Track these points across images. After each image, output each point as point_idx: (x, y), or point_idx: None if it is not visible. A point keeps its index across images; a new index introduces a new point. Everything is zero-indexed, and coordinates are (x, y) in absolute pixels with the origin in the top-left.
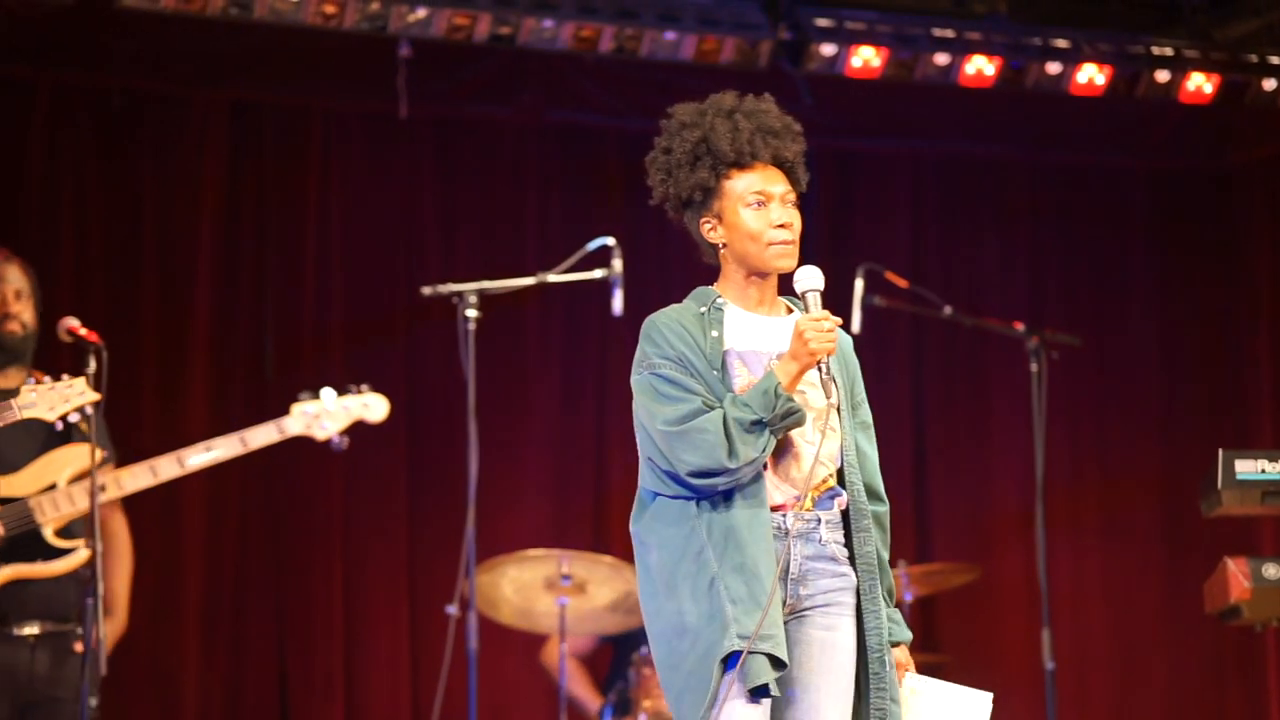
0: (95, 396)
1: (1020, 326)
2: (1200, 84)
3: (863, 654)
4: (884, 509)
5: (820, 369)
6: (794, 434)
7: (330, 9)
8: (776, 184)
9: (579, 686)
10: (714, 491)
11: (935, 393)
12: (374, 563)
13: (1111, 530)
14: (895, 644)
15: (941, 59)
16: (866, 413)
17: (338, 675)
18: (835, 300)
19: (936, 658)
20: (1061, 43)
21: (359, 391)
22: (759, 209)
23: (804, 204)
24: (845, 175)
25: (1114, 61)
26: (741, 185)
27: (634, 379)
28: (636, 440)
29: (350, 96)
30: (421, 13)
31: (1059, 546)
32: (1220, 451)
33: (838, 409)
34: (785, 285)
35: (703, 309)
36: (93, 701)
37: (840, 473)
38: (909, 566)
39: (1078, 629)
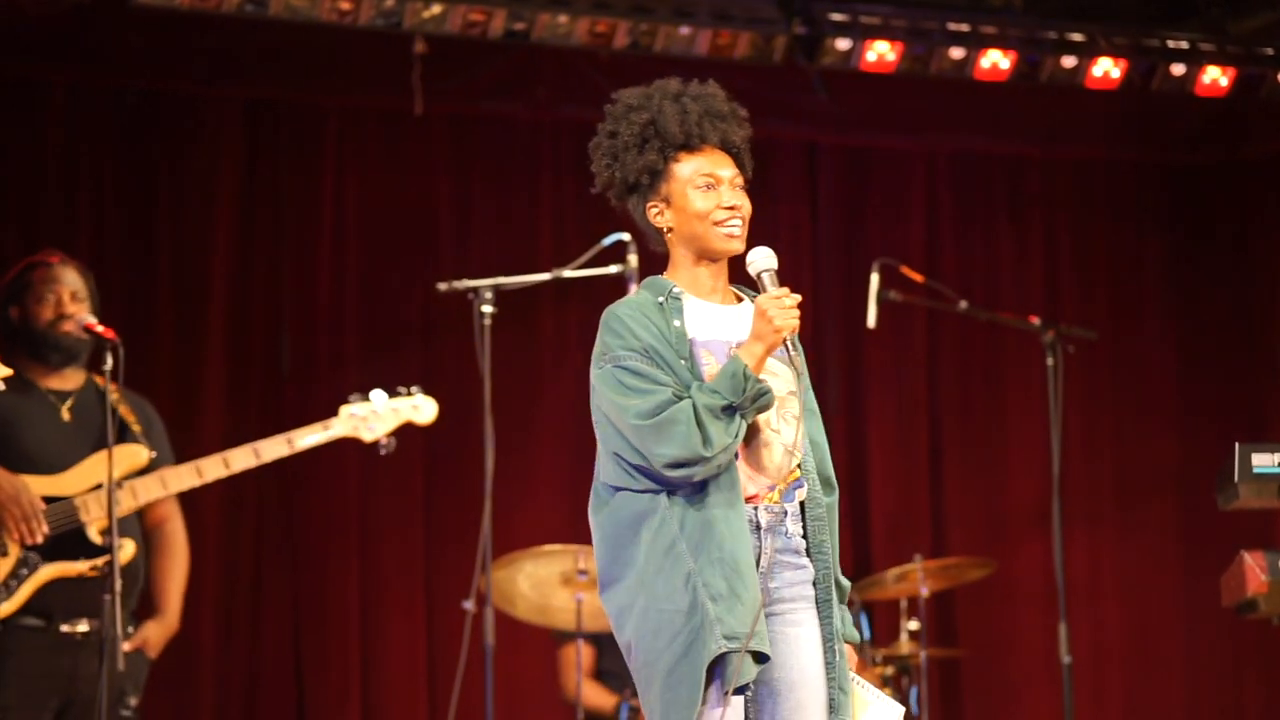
0: None
1: (1036, 320)
2: (1216, 78)
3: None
4: (835, 498)
5: (786, 347)
6: (761, 423)
7: (345, 6)
8: (725, 167)
9: (593, 694)
10: (688, 483)
11: (951, 387)
12: (390, 558)
13: (1128, 524)
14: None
15: (956, 53)
16: (813, 399)
17: (354, 670)
18: (851, 296)
19: (953, 652)
20: (1077, 36)
21: (409, 394)
22: (708, 191)
23: (818, 199)
24: (860, 170)
25: (1129, 55)
26: (690, 168)
27: (595, 372)
28: (597, 435)
29: (365, 93)
30: (436, 9)
31: (1075, 540)
32: (1237, 445)
33: (798, 393)
34: (733, 275)
35: (660, 299)
36: (133, 701)
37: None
38: (925, 561)
39: (1094, 623)
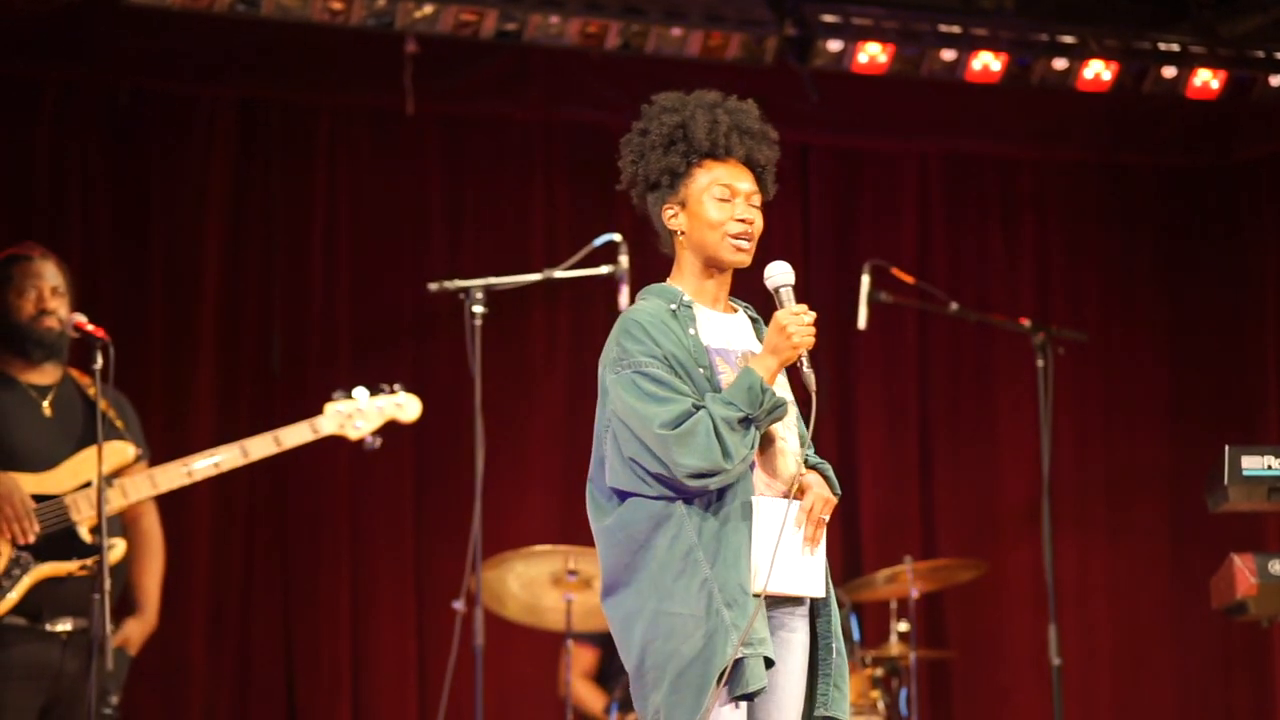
0: None
1: (1026, 322)
2: (1207, 80)
3: (814, 640)
4: None
5: (801, 362)
6: (774, 432)
7: (337, 5)
8: (744, 182)
9: (585, 695)
10: (705, 491)
11: (941, 388)
12: (381, 558)
13: (1118, 526)
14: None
15: (948, 55)
16: None
17: (344, 670)
18: (842, 297)
19: (943, 653)
20: (1068, 39)
21: (392, 391)
22: (723, 202)
23: (809, 201)
24: (851, 171)
25: (1120, 58)
26: (710, 177)
27: (612, 376)
28: (609, 438)
29: (357, 93)
30: (428, 9)
31: (1065, 542)
32: (1226, 447)
33: (808, 402)
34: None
35: (672, 306)
36: (114, 699)
37: None
38: (915, 562)
39: (1084, 625)
